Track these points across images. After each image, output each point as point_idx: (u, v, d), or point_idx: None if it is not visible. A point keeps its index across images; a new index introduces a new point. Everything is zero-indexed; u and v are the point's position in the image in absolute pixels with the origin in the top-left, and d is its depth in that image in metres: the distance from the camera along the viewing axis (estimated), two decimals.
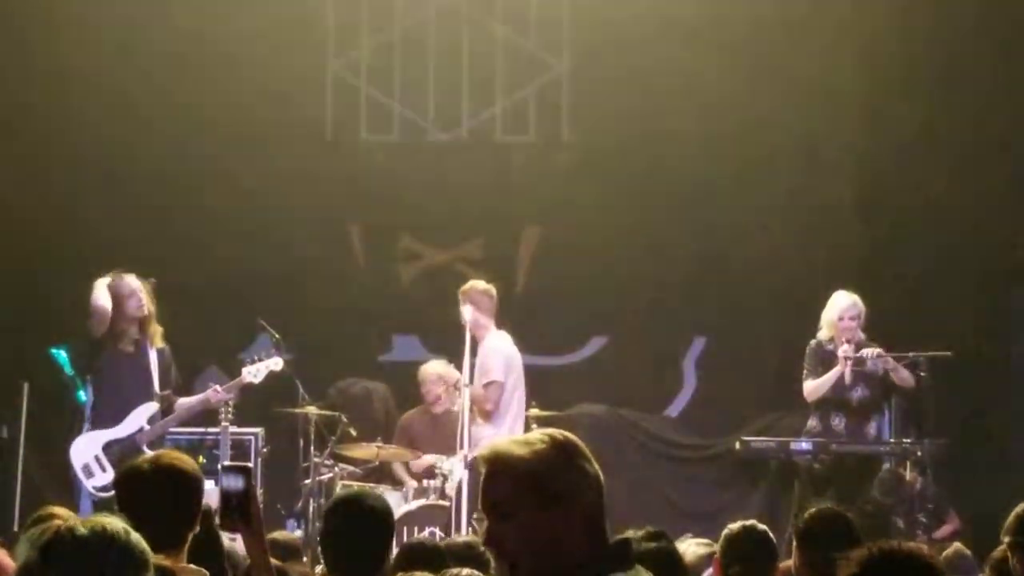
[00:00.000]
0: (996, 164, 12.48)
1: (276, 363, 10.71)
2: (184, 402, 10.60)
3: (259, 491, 11.75)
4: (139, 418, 10.31)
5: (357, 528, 5.51)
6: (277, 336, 11.91)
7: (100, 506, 9.96)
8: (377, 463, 11.80)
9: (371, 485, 11.61)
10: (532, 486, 3.51)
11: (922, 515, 11.20)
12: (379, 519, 5.58)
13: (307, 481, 11.45)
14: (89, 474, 10.17)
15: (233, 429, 11.11)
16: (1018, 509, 5.68)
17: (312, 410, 11.53)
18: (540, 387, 12.49)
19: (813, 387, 11.24)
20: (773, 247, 13.10)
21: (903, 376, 11.11)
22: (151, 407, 10.36)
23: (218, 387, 10.61)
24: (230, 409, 10.87)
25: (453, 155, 13.28)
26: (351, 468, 11.81)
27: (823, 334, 11.29)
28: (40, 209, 12.76)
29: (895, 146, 13.04)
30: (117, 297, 10.32)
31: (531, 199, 13.19)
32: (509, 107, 13.24)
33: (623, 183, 13.15)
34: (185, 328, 12.61)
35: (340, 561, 5.51)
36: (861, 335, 11.22)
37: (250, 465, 6.97)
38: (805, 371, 11.39)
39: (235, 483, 4.84)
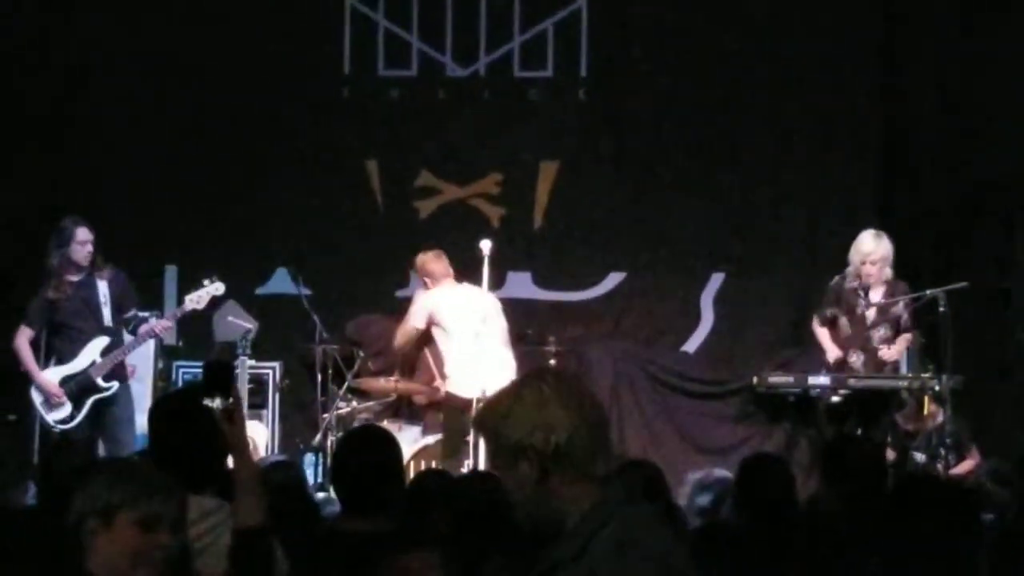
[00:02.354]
0: (1016, 100, 12.43)
1: (217, 288, 10.80)
2: (143, 329, 10.69)
3: (276, 425, 11.90)
4: (92, 352, 10.53)
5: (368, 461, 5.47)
6: (295, 271, 11.97)
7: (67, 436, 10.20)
8: (394, 397, 11.84)
9: (388, 419, 11.71)
10: (498, 444, 3.47)
11: (942, 449, 11.23)
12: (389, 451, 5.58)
13: (325, 415, 11.50)
14: (49, 408, 10.38)
15: (251, 363, 11.18)
16: None
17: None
18: (557, 322, 12.55)
19: (817, 334, 11.28)
20: (793, 181, 13.04)
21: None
22: (102, 341, 10.57)
23: (158, 318, 10.75)
24: (247, 343, 10.94)
25: (471, 90, 13.22)
26: (368, 402, 11.85)
27: (850, 270, 11.31)
28: (50, 153, 12.75)
29: (920, 81, 12.97)
30: (69, 242, 10.44)
31: (549, 134, 13.13)
32: (528, 42, 13.16)
33: (641, 118, 13.11)
34: (202, 262, 12.68)
35: (352, 494, 5.48)
36: (889, 273, 11.23)
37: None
38: (821, 305, 11.42)
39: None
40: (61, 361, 10.54)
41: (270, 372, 12.03)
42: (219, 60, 12.91)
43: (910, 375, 11.43)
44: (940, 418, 11.20)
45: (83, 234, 10.52)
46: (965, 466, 11.64)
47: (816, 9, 13.04)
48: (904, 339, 11.29)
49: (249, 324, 11.36)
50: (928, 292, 11.19)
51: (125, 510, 3.97)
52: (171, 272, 12.86)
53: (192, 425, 4.96)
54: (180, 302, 11.09)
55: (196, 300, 10.71)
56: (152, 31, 12.84)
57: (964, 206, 12.77)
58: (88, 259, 10.55)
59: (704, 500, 6.93)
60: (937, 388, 11.04)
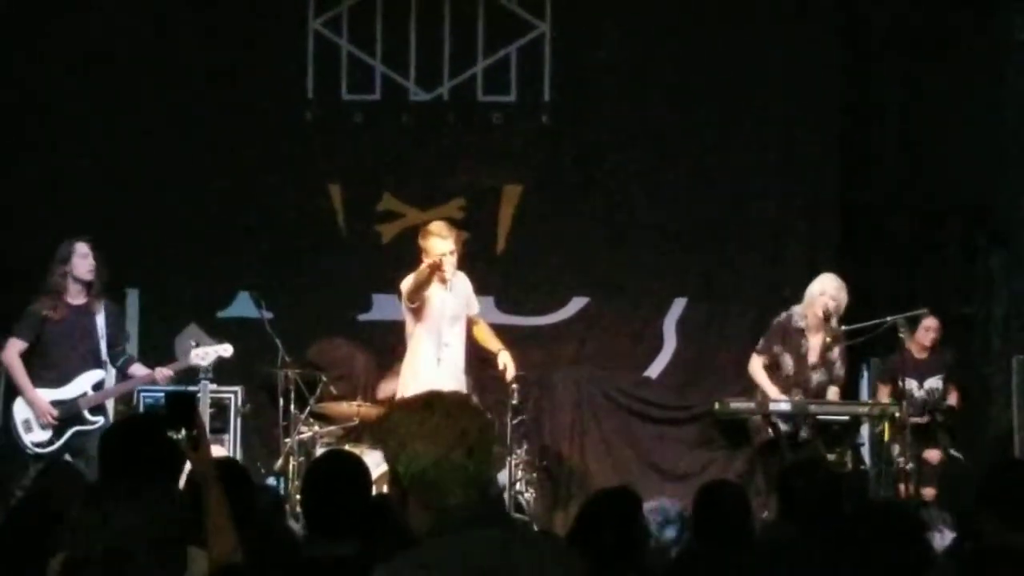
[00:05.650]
0: (976, 125, 12.51)
1: (226, 349, 10.81)
2: (136, 371, 10.73)
3: (238, 450, 11.87)
4: (85, 383, 10.49)
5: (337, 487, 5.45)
6: (258, 295, 11.94)
7: (37, 461, 10.08)
8: (357, 422, 11.81)
9: (351, 444, 11.67)
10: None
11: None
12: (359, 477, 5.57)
13: (287, 440, 11.47)
14: (28, 429, 10.36)
15: (212, 387, 11.14)
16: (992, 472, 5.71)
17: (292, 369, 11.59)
18: (521, 347, 12.51)
19: (754, 373, 11.37)
20: (754, 208, 13.10)
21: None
22: (98, 374, 10.56)
23: (164, 368, 10.68)
24: (209, 368, 10.92)
25: (435, 115, 13.24)
26: (330, 427, 11.83)
27: (798, 309, 11.37)
28: (10, 177, 12.77)
29: (878, 111, 13.05)
30: (70, 256, 10.40)
31: (512, 159, 13.18)
32: (491, 67, 13.20)
33: (604, 143, 13.16)
34: (165, 286, 12.70)
35: (321, 518, 5.47)
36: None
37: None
38: (762, 342, 11.49)
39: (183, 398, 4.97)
40: (44, 384, 10.42)
41: (232, 396, 12.00)
42: (183, 83, 12.90)
43: (870, 402, 11.52)
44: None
45: (83, 248, 10.46)
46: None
47: (779, 40, 13.09)
48: (835, 391, 11.44)
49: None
50: (888, 318, 11.27)
51: None
52: (133, 296, 12.85)
53: (144, 453, 4.96)
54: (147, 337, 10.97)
55: (202, 356, 10.70)
56: (115, 54, 12.84)
57: (924, 232, 12.84)
58: (91, 272, 10.46)
59: (671, 533, 6.94)
60: (897, 414, 11.12)
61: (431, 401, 3.62)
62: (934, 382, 11.96)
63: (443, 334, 10.63)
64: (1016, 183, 12.43)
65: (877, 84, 13.03)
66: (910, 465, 11.31)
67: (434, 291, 10.57)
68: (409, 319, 10.67)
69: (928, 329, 11.96)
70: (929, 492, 11.52)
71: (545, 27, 13.14)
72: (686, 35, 13.04)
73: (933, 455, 11.81)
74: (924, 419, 11.75)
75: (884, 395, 11.80)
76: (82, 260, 10.44)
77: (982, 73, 12.53)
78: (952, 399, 12.10)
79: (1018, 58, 12.39)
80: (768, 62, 13.07)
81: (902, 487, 11.24)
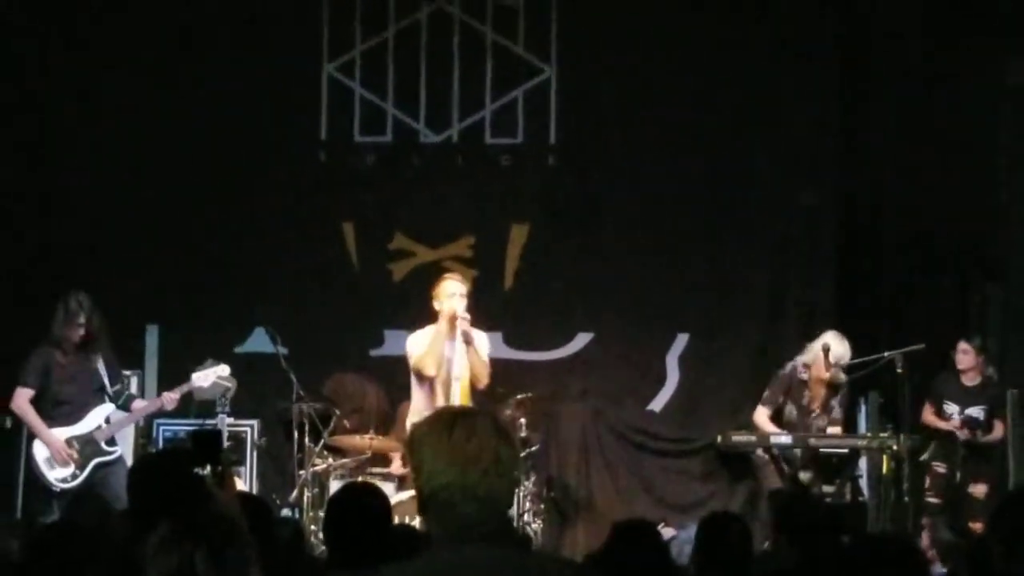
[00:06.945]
0: (971, 159, 12.71)
1: (224, 369, 11.04)
2: (138, 405, 11.00)
3: (254, 482, 12.09)
4: (98, 417, 10.79)
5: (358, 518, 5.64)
6: (273, 330, 12.16)
7: (63, 497, 10.34)
8: (369, 455, 12.03)
9: (363, 476, 11.90)
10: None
11: None
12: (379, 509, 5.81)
13: (302, 472, 11.70)
14: (51, 467, 10.60)
15: (229, 421, 11.35)
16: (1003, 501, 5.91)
17: (307, 404, 11.80)
18: (526, 382, 12.71)
19: (760, 424, 11.72)
20: (756, 245, 13.34)
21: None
22: (108, 407, 10.85)
23: (169, 393, 10.91)
24: (226, 402, 11.14)
25: (444, 156, 13.52)
26: (343, 460, 12.05)
27: (803, 360, 11.66)
28: (33, 215, 13.04)
29: (877, 143, 13.29)
30: (67, 315, 10.74)
31: (519, 199, 13.44)
32: (499, 110, 13.48)
33: (607, 184, 13.41)
34: (183, 323, 12.90)
35: (342, 550, 5.66)
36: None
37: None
38: (767, 393, 11.78)
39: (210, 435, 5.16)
40: (59, 423, 10.68)
41: (248, 430, 12.23)
42: (200, 124, 13.13)
43: (868, 434, 11.75)
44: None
45: (83, 319, 10.76)
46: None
47: (778, 77, 13.34)
48: (833, 431, 11.82)
49: (228, 383, 11.53)
50: (886, 354, 11.51)
51: None
52: (152, 332, 13.13)
53: (172, 486, 5.14)
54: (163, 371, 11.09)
55: (203, 378, 10.96)
56: (131, 94, 13.07)
57: (921, 268, 13.03)
58: (80, 336, 10.76)
59: None
60: (895, 447, 11.34)
61: (455, 421, 3.61)
62: (975, 411, 12.20)
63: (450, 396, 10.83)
64: (1011, 219, 12.62)
65: (875, 121, 13.21)
66: (934, 499, 11.65)
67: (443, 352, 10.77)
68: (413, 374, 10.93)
69: (959, 352, 12.19)
70: (977, 526, 11.56)
71: (551, 71, 13.40)
72: (688, 79, 13.24)
73: (980, 489, 12.05)
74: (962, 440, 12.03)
75: (928, 415, 12.11)
76: (78, 329, 10.73)
77: (978, 111, 12.70)
78: (997, 431, 12.27)
79: (1012, 97, 12.59)
80: (768, 102, 13.30)
81: (925, 521, 11.49)
